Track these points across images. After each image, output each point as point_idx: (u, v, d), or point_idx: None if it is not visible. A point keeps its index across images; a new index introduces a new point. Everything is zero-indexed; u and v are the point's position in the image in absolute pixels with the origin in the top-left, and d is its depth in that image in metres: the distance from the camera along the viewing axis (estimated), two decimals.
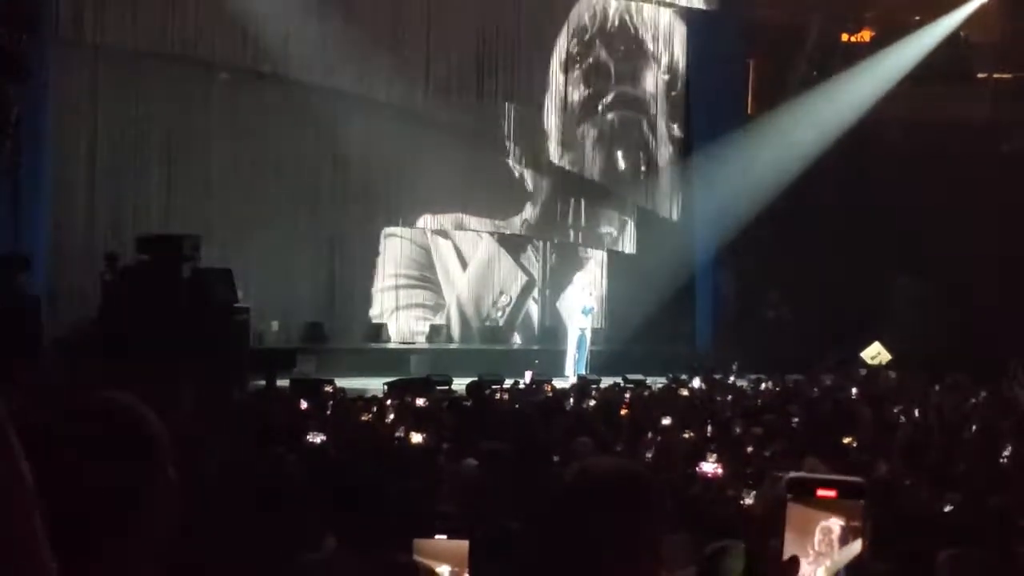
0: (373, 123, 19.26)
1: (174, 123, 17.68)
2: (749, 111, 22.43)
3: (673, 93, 21.92)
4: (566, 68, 21.13)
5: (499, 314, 20.76)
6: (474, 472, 6.01)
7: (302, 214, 19.17)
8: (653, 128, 21.86)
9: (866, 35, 22.35)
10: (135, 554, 1.90)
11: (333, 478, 5.20)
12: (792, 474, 1.80)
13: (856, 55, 21.65)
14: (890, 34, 21.53)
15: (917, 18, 21.61)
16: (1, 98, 14.02)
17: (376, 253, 20.19)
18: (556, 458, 6.93)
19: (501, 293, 21.08)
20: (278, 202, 18.83)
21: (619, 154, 21.62)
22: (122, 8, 17.07)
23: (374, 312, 20.11)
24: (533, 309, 21.27)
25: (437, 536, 3.09)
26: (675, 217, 21.70)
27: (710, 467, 5.90)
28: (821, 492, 1.76)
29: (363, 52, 18.58)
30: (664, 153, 21.90)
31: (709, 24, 21.22)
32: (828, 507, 1.75)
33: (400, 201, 19.97)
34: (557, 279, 21.24)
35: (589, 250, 21.75)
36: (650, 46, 21.74)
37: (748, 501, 5.16)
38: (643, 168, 21.76)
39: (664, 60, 21.87)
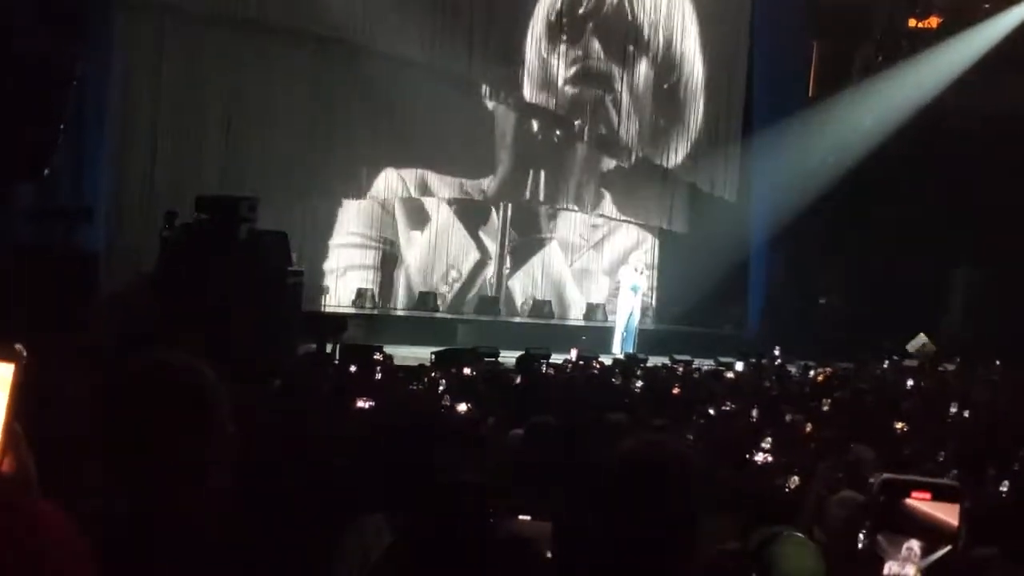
0: (437, 91, 19.29)
1: (236, 85, 17.77)
2: (811, 94, 22.20)
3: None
4: (614, 43, 21.02)
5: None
6: (518, 445, 6.03)
7: (357, 178, 19.27)
8: (711, 106, 21.70)
9: (934, 21, 22.02)
10: (197, 503, 1.94)
11: (383, 444, 5.24)
12: (886, 475, 1.78)
13: (923, 41, 21.34)
14: (959, 21, 21.19)
15: (987, 5, 21.26)
16: (65, 53, 14.18)
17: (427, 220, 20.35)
18: (598, 434, 6.94)
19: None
20: (334, 167, 18.94)
21: (674, 132, 21.48)
22: None
23: (419, 279, 20.26)
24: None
25: (520, 517, 3.10)
26: (731, 198, 21.54)
27: (762, 457, 5.87)
28: (916, 494, 1.73)
29: (419, 16, 18.59)
30: (722, 133, 21.72)
31: (775, 4, 20.99)
32: (922, 508, 1.73)
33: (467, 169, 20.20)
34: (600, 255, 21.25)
35: (633, 228, 21.67)
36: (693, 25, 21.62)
37: (792, 486, 5.15)
38: (699, 147, 21.59)
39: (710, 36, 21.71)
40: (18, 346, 1.47)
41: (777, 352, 16.85)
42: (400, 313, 19.63)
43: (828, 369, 14.93)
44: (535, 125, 20.70)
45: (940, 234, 20.22)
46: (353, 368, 10.98)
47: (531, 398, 8.96)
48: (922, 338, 18.67)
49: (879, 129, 20.40)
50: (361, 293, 19.44)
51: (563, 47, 20.35)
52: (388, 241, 19.89)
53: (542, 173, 20.65)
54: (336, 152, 18.80)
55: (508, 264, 20.93)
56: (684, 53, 21.37)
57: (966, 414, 10.25)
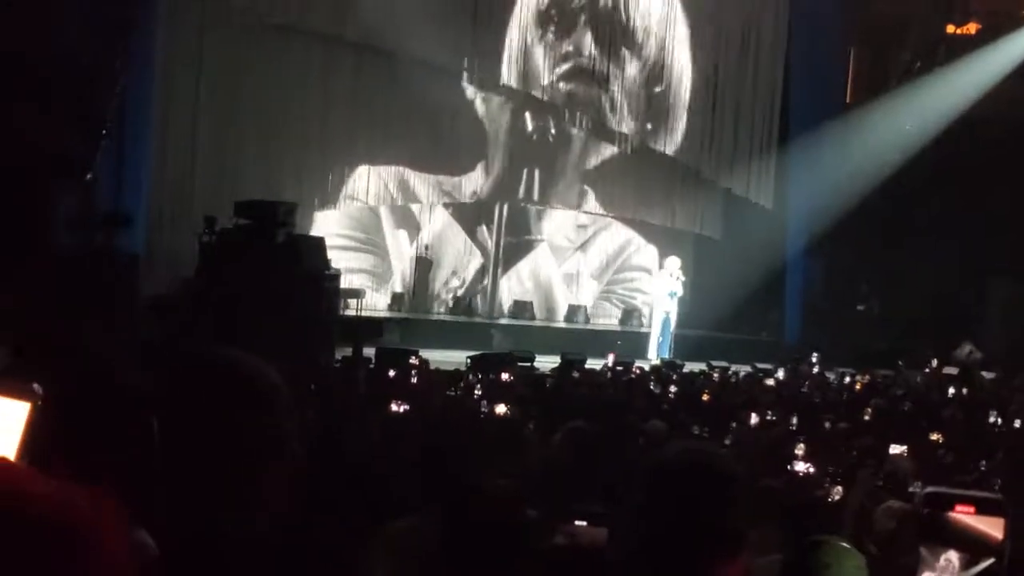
0: (469, 97, 19.37)
1: (275, 91, 17.88)
2: (848, 100, 22.11)
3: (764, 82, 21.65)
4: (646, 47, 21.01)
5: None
6: (557, 449, 6.03)
7: (393, 185, 19.38)
8: (749, 112, 21.64)
9: (972, 28, 21.86)
10: (261, 503, 1.93)
11: (419, 447, 5.26)
12: (930, 489, 1.78)
13: (961, 48, 21.19)
14: (997, 28, 21.03)
15: None
16: (108, 59, 14.33)
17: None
18: (636, 440, 6.95)
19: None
20: (372, 173, 19.07)
21: (710, 136, 21.44)
22: None
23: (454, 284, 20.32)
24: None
25: (576, 522, 3.10)
26: (768, 204, 21.47)
27: (802, 466, 5.85)
28: (960, 507, 1.73)
29: (450, 23, 18.69)
30: (760, 139, 21.66)
31: (812, 10, 20.91)
32: (966, 521, 1.72)
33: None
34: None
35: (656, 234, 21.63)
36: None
37: (835, 498, 5.13)
38: (736, 153, 21.54)
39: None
40: (36, 386, 1.48)
41: (815, 359, 16.78)
42: (436, 318, 19.69)
43: (866, 377, 14.85)
44: (529, 123, 20.59)
45: (978, 242, 20.07)
46: (392, 372, 11.03)
47: (569, 403, 8.98)
48: (968, 346, 18.53)
49: (917, 136, 20.28)
50: (396, 297, 19.57)
51: (553, 39, 20.22)
52: (423, 245, 19.98)
53: (536, 172, 20.56)
54: (362, 155, 18.97)
55: (501, 265, 20.86)
56: (677, 57, 21.23)
57: (1016, 423, 10.16)
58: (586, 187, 21.12)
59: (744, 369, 15.44)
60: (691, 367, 15.24)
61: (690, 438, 7.11)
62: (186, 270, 14.53)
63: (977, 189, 20.15)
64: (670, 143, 21.21)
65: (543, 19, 20.13)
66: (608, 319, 21.40)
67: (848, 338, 19.23)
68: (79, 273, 12.09)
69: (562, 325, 20.64)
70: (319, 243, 14.73)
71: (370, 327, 15.42)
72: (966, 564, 1.73)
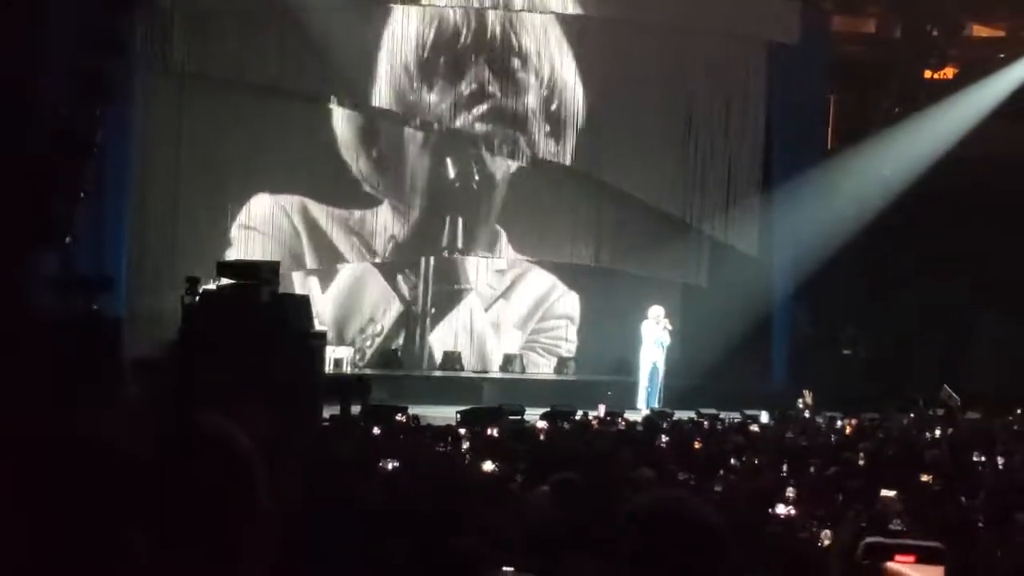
0: (459, 155, 19.46)
1: (256, 149, 17.96)
2: (829, 146, 22.27)
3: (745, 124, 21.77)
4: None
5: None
6: (545, 502, 6.01)
7: (380, 241, 19.43)
8: (729, 161, 21.75)
9: (950, 72, 22.11)
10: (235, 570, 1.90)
11: (407, 505, 5.24)
12: (869, 539, 1.77)
13: (940, 92, 21.40)
14: (974, 72, 21.28)
15: (1002, 56, 21.35)
16: (87, 120, 14.38)
17: (458, 282, 20.40)
18: (624, 490, 6.92)
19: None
20: (356, 229, 19.12)
21: (692, 184, 21.51)
22: (208, 36, 17.43)
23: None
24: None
25: (505, 569, 3.07)
26: (752, 252, 21.54)
27: (783, 509, 5.83)
28: (899, 557, 1.71)
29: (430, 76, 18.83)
30: (743, 187, 21.74)
31: (791, 58, 21.10)
32: (906, 571, 1.71)
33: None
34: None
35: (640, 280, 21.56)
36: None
37: (825, 542, 5.11)
38: (718, 200, 21.61)
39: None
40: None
41: (802, 404, 16.79)
42: (425, 373, 19.63)
43: (854, 420, 14.85)
44: (451, 168, 20.30)
45: (961, 283, 20.16)
46: (377, 430, 10.99)
47: (558, 455, 8.95)
48: (946, 389, 18.56)
49: (898, 179, 20.42)
50: (387, 353, 19.55)
51: (448, 82, 20.01)
52: (407, 300, 19.95)
53: (460, 220, 20.31)
54: (362, 212, 19.03)
55: (429, 316, 20.52)
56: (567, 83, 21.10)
57: (1000, 462, 10.17)
58: (502, 231, 20.89)
59: (734, 416, 15.43)
60: (681, 415, 15.22)
61: (678, 486, 7.08)
62: (169, 332, 14.49)
63: (959, 230, 20.26)
64: (598, 169, 21.00)
65: (432, 63, 19.94)
66: (539, 368, 21.24)
67: (835, 382, 19.23)
68: (60, 337, 12.05)
69: (551, 377, 20.59)
70: (304, 301, 14.71)
71: (358, 384, 15.37)
72: None
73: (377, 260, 19.79)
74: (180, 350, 13.39)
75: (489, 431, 10.93)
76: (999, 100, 20.53)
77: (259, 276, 13.71)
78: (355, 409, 13.49)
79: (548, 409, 14.22)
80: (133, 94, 16.14)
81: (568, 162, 20.75)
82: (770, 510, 5.86)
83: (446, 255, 20.40)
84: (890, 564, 1.72)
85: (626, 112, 20.92)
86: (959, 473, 9.21)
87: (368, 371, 18.26)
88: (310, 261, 19.16)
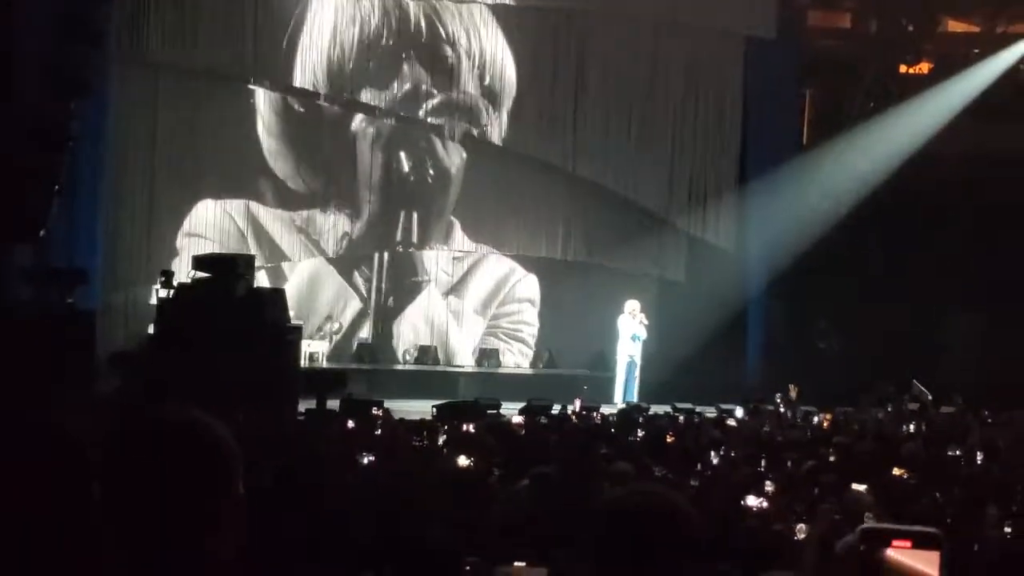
0: (423, 144, 19.41)
1: (231, 142, 17.89)
2: (805, 141, 22.34)
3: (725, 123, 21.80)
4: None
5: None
6: (522, 496, 6.02)
7: (354, 233, 19.39)
8: (705, 155, 21.80)
9: (925, 67, 22.20)
10: (206, 561, 1.90)
11: (383, 501, 5.24)
12: (866, 525, 1.77)
13: (914, 87, 21.50)
14: (949, 67, 21.37)
15: (976, 51, 21.45)
16: (61, 114, 14.30)
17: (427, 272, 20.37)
18: (600, 484, 6.93)
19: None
20: (331, 222, 19.07)
21: (672, 181, 21.56)
22: (182, 27, 17.34)
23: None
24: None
25: (516, 563, 3.08)
26: (730, 247, 21.60)
27: (755, 501, 5.85)
28: (896, 543, 1.72)
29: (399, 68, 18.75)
30: (719, 181, 21.79)
31: (766, 53, 21.16)
32: (903, 558, 1.71)
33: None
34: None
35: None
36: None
37: (800, 536, 5.13)
38: (695, 195, 21.66)
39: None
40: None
41: (778, 398, 16.84)
42: (401, 368, 19.61)
43: (828, 415, 14.92)
44: (405, 163, 20.17)
45: (935, 277, 20.27)
46: (351, 424, 10.96)
47: (535, 449, 8.95)
48: (917, 387, 18.63)
49: (873, 174, 20.50)
50: (363, 347, 19.51)
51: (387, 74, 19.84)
52: (363, 296, 19.90)
53: (414, 215, 20.20)
54: (336, 204, 18.97)
55: (389, 308, 20.38)
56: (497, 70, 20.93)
57: (978, 456, 10.23)
58: (473, 224, 20.76)
59: (709, 411, 15.47)
60: (657, 409, 15.25)
61: (654, 480, 7.10)
62: (143, 326, 14.45)
63: (932, 225, 20.38)
64: (576, 163, 20.90)
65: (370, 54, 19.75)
66: (514, 361, 21.23)
67: (810, 376, 19.31)
68: (35, 328, 12.00)
69: (527, 371, 20.63)
70: (279, 295, 14.68)
71: (334, 378, 15.34)
72: None
73: (330, 256, 19.62)
74: (155, 344, 13.36)
75: (465, 426, 10.89)
76: (974, 95, 20.62)
77: (235, 270, 13.67)
78: (332, 403, 13.46)
79: (525, 404, 14.22)
80: (108, 87, 16.04)
81: (547, 156, 20.78)
82: (744, 503, 5.89)
83: (400, 250, 20.28)
84: (888, 552, 1.72)
85: (601, 107, 20.95)
86: (933, 467, 9.26)
87: (344, 365, 18.22)
88: (259, 259, 18.94)
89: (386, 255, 20.27)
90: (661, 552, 2.20)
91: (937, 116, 20.57)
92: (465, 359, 20.72)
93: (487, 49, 20.37)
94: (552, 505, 5.44)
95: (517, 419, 12.68)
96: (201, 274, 13.67)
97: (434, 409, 13.43)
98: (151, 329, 13.93)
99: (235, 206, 18.46)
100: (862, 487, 6.63)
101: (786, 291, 21.19)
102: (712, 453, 9.64)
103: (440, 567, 3.09)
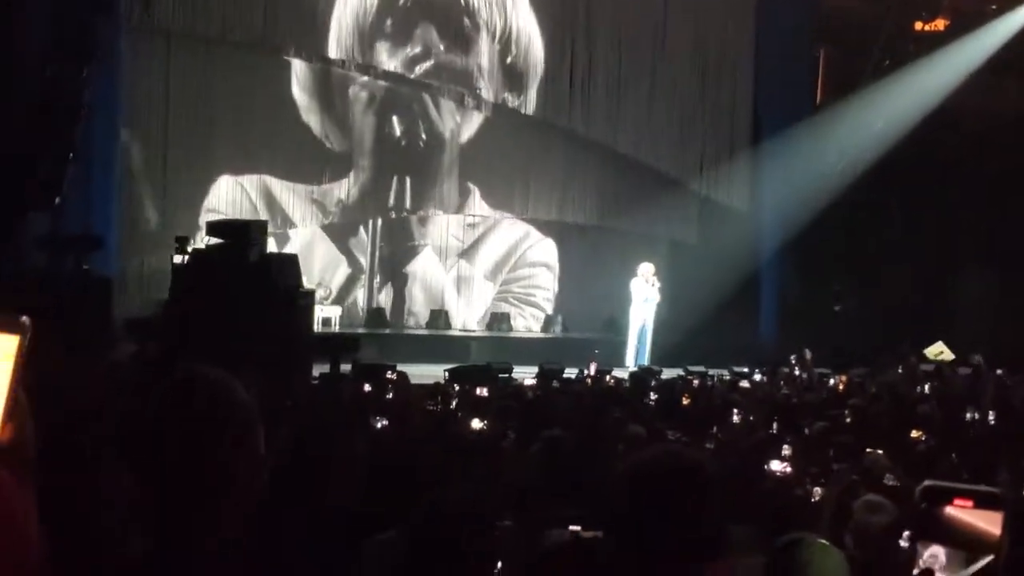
0: (421, 109, 19.38)
1: (244, 108, 17.84)
2: (818, 100, 22.20)
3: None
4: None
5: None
6: (535, 460, 6.01)
7: (369, 200, 19.35)
8: (719, 115, 21.70)
9: (940, 24, 21.98)
10: (223, 521, 1.91)
11: (397, 463, 5.23)
12: (928, 483, 1.75)
13: (930, 44, 21.31)
14: (965, 23, 21.16)
15: (993, 7, 21.23)
16: (74, 82, 14.28)
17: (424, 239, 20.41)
18: (614, 447, 6.94)
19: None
20: (346, 188, 19.05)
21: (684, 142, 21.46)
22: None
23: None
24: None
25: (571, 527, 3.07)
26: (743, 207, 21.52)
27: (778, 466, 5.83)
28: (958, 501, 1.70)
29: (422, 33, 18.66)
30: (732, 142, 21.70)
31: (779, 11, 21.00)
32: (964, 517, 1.69)
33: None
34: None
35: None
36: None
37: (816, 498, 5.13)
38: (708, 155, 21.57)
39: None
40: (24, 318, 1.46)
41: (793, 360, 16.82)
42: (413, 332, 19.63)
43: (844, 376, 14.89)
44: (397, 127, 19.95)
45: (952, 238, 20.18)
46: (368, 387, 10.98)
47: (548, 413, 8.95)
48: (939, 346, 18.56)
49: (889, 133, 20.38)
50: (377, 312, 19.52)
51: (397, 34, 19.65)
52: (372, 260, 19.88)
53: (407, 180, 20.02)
54: (351, 171, 18.91)
55: (379, 277, 20.28)
56: (522, 32, 20.83)
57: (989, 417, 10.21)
58: (474, 187, 20.67)
59: (722, 373, 15.45)
60: (669, 373, 15.24)
61: (667, 443, 7.09)
62: (159, 292, 14.48)
63: (948, 184, 20.27)
64: (537, 107, 20.67)
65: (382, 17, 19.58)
66: (525, 325, 21.24)
67: (825, 338, 19.27)
68: (52, 295, 12.03)
69: (538, 335, 20.63)
70: (292, 260, 14.68)
71: (347, 342, 15.37)
72: (964, 561, 1.70)
73: (330, 221, 19.52)
74: (170, 309, 13.39)
75: (479, 390, 10.90)
76: (990, 53, 20.43)
77: (248, 235, 13.68)
78: (345, 367, 13.49)
79: (537, 367, 14.24)
80: (120, 53, 16.00)
81: (565, 120, 20.72)
82: (764, 466, 5.88)
83: (393, 216, 20.17)
84: (948, 511, 1.70)
85: (613, 67, 20.84)
86: (950, 429, 9.24)
87: (357, 330, 18.25)
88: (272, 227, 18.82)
89: (386, 220, 20.18)
90: (689, 513, 2.19)
91: (953, 74, 20.40)
92: (473, 324, 20.71)
93: (505, 15, 20.25)
94: (565, 468, 5.43)
95: (530, 382, 12.71)
96: (215, 240, 13.68)
97: (446, 373, 13.46)
98: (166, 295, 13.95)
99: (249, 178, 18.44)
100: (879, 452, 6.62)
101: (800, 253, 21.12)
102: (732, 414, 9.63)
103: (469, 530, 3.07)
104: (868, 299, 21.05)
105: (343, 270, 19.87)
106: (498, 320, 20.60)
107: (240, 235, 13.67)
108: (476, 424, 7.85)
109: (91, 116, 14.94)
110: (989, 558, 1.69)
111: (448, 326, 20.23)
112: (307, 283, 18.82)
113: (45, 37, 14.08)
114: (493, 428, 7.82)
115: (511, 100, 20.38)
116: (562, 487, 5.07)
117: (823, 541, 3.03)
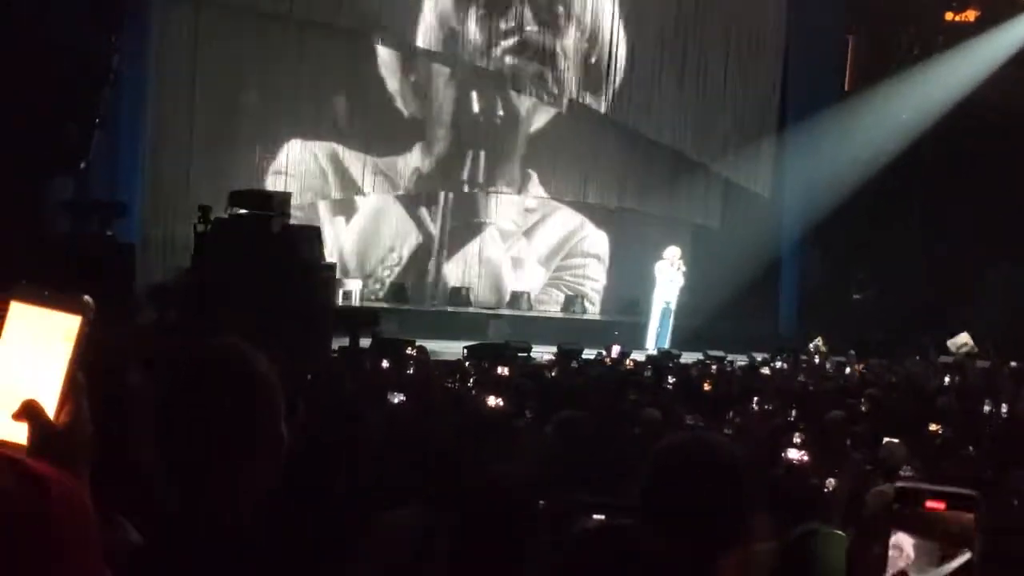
0: (472, 85, 19.36)
1: (271, 78, 17.83)
2: (847, 87, 22.08)
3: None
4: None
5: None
6: (550, 439, 6.02)
7: (391, 173, 19.35)
8: (746, 101, 21.60)
9: (971, 15, 21.81)
10: (242, 490, 1.93)
11: (414, 438, 5.25)
12: (900, 484, 1.76)
13: (960, 35, 21.15)
14: (996, 14, 20.99)
15: None
16: (102, 47, 14.30)
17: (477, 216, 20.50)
18: (630, 430, 6.95)
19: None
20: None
21: (710, 126, 21.38)
22: None
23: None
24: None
25: (595, 516, 3.07)
26: (766, 193, 21.44)
27: (796, 454, 5.83)
28: (930, 503, 1.70)
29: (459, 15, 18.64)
30: (757, 126, 21.60)
31: None
32: (936, 518, 1.69)
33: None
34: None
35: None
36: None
37: (829, 488, 5.12)
38: (733, 140, 21.49)
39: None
40: (86, 298, 1.46)
41: (812, 347, 16.80)
42: (432, 308, 19.65)
43: (863, 366, 14.87)
44: (475, 103, 20.10)
45: (976, 229, 20.06)
46: (386, 363, 11.01)
47: (565, 393, 8.97)
48: (964, 337, 18.48)
49: (915, 123, 20.26)
50: (397, 287, 19.57)
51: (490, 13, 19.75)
52: (427, 233, 19.97)
53: (481, 154, 20.15)
54: (374, 143, 18.96)
55: (446, 248, 20.44)
56: (603, 25, 20.89)
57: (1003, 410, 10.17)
58: (532, 172, 20.77)
59: (741, 359, 15.44)
60: (688, 357, 15.23)
61: (685, 428, 7.09)
62: (181, 260, 14.52)
63: (974, 175, 20.13)
64: (614, 108, 20.80)
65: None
66: (551, 306, 21.26)
67: (845, 327, 19.22)
68: (75, 259, 12.09)
69: (557, 315, 20.62)
70: (314, 233, 14.71)
71: (367, 317, 15.40)
72: (941, 555, 1.70)
73: (400, 192, 19.71)
74: (192, 278, 13.44)
75: (499, 369, 10.92)
76: (1020, 45, 20.27)
77: (271, 207, 13.70)
78: (364, 342, 13.53)
79: (556, 347, 14.25)
80: (149, 20, 16.01)
81: (603, 110, 20.65)
82: (781, 454, 5.88)
83: (466, 190, 20.35)
84: (924, 508, 1.71)
85: (642, 53, 20.77)
86: (967, 422, 9.21)
87: (377, 304, 18.29)
88: (335, 192, 19.12)
89: (452, 195, 20.38)
90: (721, 499, 2.18)
91: (982, 65, 20.25)
92: (523, 306, 20.82)
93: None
94: (580, 449, 5.44)
95: (548, 358, 12.74)
96: (238, 210, 13.70)
97: (464, 350, 13.48)
98: (189, 263, 13.99)
99: (320, 144, 18.64)
100: (895, 441, 6.60)
101: (823, 240, 21.04)
102: (752, 402, 9.63)
103: (515, 509, 3.06)
104: (889, 289, 20.97)
105: (413, 239, 20.07)
106: (517, 299, 20.59)
107: (263, 206, 13.69)
108: (492, 401, 7.86)
109: (119, 82, 14.96)
110: (965, 557, 1.69)
111: (469, 303, 20.25)
112: (379, 249, 19.25)
113: (75, 4, 14.10)
114: (510, 407, 7.83)
115: (580, 92, 20.42)
116: (579, 469, 5.09)
117: (837, 531, 3.04)
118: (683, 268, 18.55)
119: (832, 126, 20.44)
